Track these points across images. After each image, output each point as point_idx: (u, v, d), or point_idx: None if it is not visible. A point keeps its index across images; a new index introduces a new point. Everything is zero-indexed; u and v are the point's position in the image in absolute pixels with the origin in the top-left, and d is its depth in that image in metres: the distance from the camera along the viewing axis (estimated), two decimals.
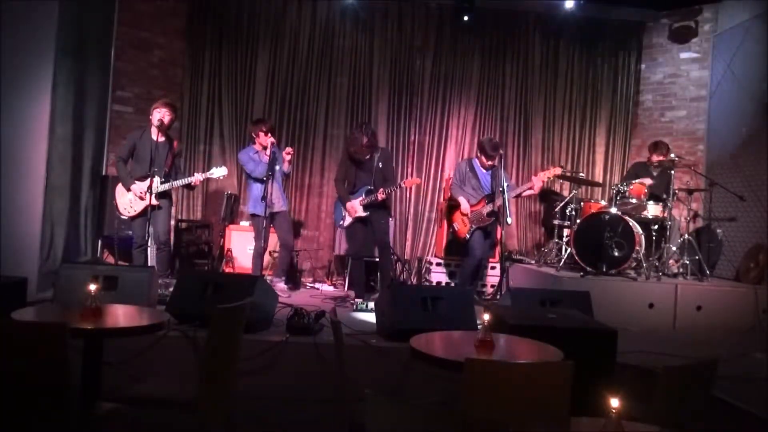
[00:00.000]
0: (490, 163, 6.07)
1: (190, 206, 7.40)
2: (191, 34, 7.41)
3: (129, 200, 5.48)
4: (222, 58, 7.45)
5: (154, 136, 5.47)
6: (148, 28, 7.13)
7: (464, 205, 6.06)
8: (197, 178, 5.57)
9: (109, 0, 6.76)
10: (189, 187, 5.78)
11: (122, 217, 5.65)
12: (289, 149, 6.02)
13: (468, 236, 6.07)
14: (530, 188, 6.13)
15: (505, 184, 5.76)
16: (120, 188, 5.56)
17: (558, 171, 6.21)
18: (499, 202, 5.90)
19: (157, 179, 5.35)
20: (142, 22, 7.07)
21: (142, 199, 5.41)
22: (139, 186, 5.41)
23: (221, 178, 5.78)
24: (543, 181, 6.13)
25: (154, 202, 5.36)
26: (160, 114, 5.44)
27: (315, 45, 7.56)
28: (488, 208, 6.00)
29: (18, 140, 5.16)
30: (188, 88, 7.42)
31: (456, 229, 6.21)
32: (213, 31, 7.44)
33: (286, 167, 6.00)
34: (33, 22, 5.19)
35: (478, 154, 6.15)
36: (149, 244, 5.67)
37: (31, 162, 5.25)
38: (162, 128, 5.45)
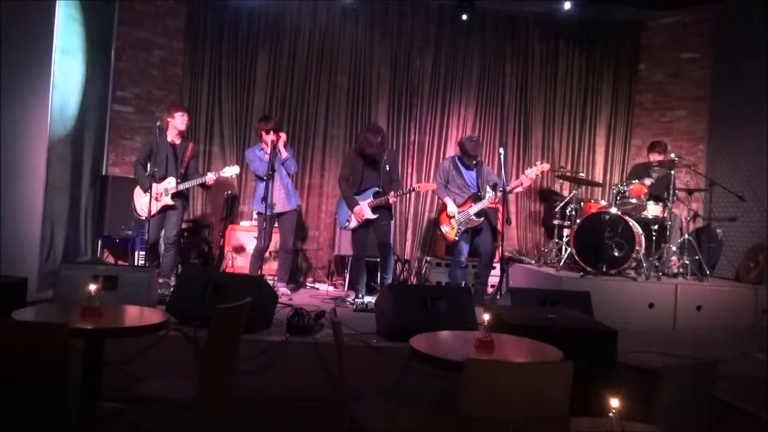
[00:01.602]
0: (473, 162, 6.03)
1: (190, 206, 7.39)
2: (191, 34, 7.41)
3: (146, 201, 5.56)
4: (222, 58, 7.45)
5: (170, 139, 5.73)
6: (148, 28, 7.13)
7: (451, 207, 5.95)
8: (210, 177, 5.68)
9: (109, 0, 6.76)
10: (204, 186, 5.88)
11: (139, 217, 5.80)
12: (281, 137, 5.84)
13: (456, 238, 5.97)
14: (519, 185, 6.09)
15: (505, 184, 5.73)
16: (138, 190, 5.74)
17: (547, 167, 6.14)
18: (484, 202, 5.88)
19: (172, 179, 5.62)
20: (142, 22, 7.07)
21: (157, 200, 5.57)
22: (155, 187, 5.55)
23: (233, 177, 5.96)
24: (531, 179, 6.07)
25: (170, 201, 5.62)
26: (183, 120, 5.73)
27: (315, 45, 7.56)
28: (475, 208, 5.92)
29: (18, 140, 5.15)
30: (188, 88, 7.42)
31: (444, 231, 6.04)
32: (213, 31, 7.43)
33: (283, 155, 5.83)
34: (33, 22, 5.19)
35: (460, 155, 6.08)
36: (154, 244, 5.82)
37: (31, 162, 5.25)
38: (182, 130, 5.76)
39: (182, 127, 5.76)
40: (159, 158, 5.65)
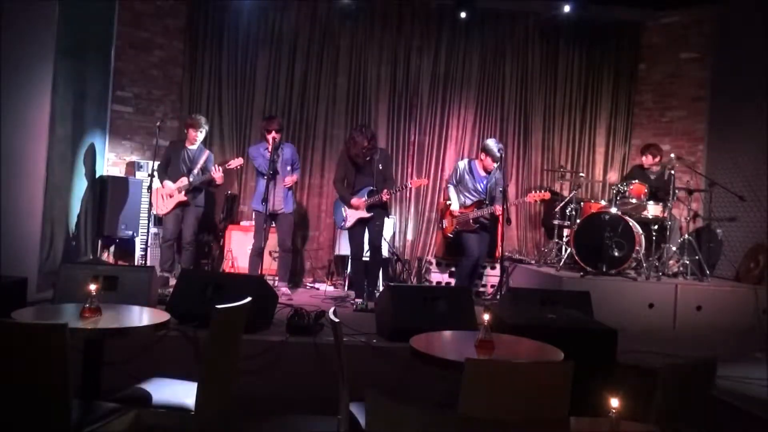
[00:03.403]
0: (492, 165, 6.05)
1: None
2: (191, 34, 7.41)
3: (159, 201, 6.08)
4: (222, 58, 7.45)
5: (189, 145, 6.17)
6: (148, 28, 7.12)
7: (454, 206, 6.10)
8: (216, 171, 5.99)
9: (109, 0, 6.75)
10: (212, 184, 6.24)
11: (158, 215, 6.25)
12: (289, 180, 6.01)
13: (451, 235, 6.14)
14: (518, 203, 6.76)
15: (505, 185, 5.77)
16: (158, 190, 6.13)
17: (548, 196, 6.31)
18: (488, 210, 5.92)
19: (185, 179, 6.02)
20: (142, 22, 7.06)
21: (171, 197, 6.02)
22: (168, 185, 6.03)
23: (238, 168, 6.32)
24: (530, 203, 6.73)
25: (182, 198, 6.02)
26: (192, 136, 6.11)
27: (315, 45, 7.56)
28: (476, 214, 5.97)
29: (18, 140, 5.15)
30: (188, 88, 7.42)
31: (444, 226, 6.36)
32: (213, 30, 7.43)
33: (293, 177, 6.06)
34: (33, 22, 5.19)
35: (482, 157, 6.07)
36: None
37: (31, 162, 5.24)
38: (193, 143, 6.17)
39: (193, 141, 6.15)
40: (174, 161, 6.10)
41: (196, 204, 6.15)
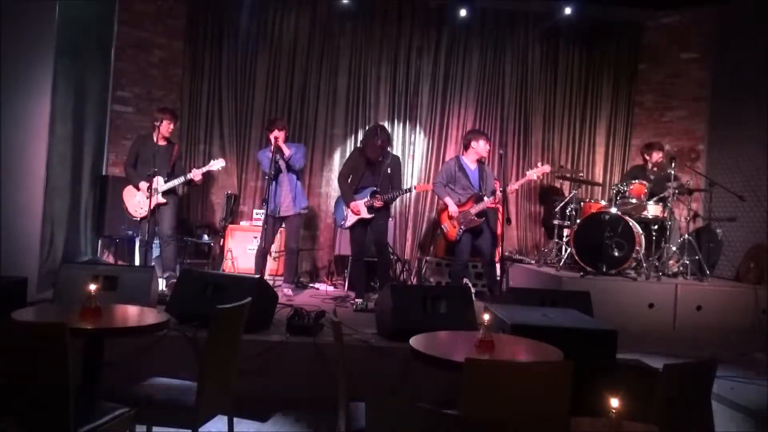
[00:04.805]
0: (486, 150, 6.02)
1: (190, 206, 7.40)
2: (191, 34, 7.41)
3: (138, 201, 5.78)
4: (222, 58, 7.45)
5: (156, 140, 5.80)
6: (148, 28, 7.13)
7: (452, 207, 5.89)
8: (195, 173, 5.82)
9: (109, 0, 6.76)
10: (190, 184, 6.04)
11: (133, 218, 5.93)
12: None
13: (457, 237, 5.91)
14: (520, 184, 6.29)
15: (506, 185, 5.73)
16: (128, 191, 5.87)
17: (548, 168, 6.15)
18: (485, 203, 5.87)
19: (160, 179, 5.68)
20: (142, 22, 7.06)
21: (141, 206, 5.74)
22: (145, 185, 5.65)
23: (219, 170, 6.03)
24: (532, 179, 6.20)
25: (161, 200, 5.72)
26: (168, 128, 5.83)
27: (315, 45, 7.56)
28: (476, 209, 5.88)
29: (18, 140, 5.16)
30: (188, 88, 7.42)
31: (445, 231, 6.02)
32: (213, 31, 7.44)
33: (286, 154, 5.85)
34: (33, 22, 5.19)
35: (473, 145, 5.99)
36: (154, 243, 5.96)
37: (31, 162, 5.25)
38: (166, 136, 5.88)
39: (167, 133, 5.87)
40: (146, 159, 5.66)
41: (174, 201, 5.91)
